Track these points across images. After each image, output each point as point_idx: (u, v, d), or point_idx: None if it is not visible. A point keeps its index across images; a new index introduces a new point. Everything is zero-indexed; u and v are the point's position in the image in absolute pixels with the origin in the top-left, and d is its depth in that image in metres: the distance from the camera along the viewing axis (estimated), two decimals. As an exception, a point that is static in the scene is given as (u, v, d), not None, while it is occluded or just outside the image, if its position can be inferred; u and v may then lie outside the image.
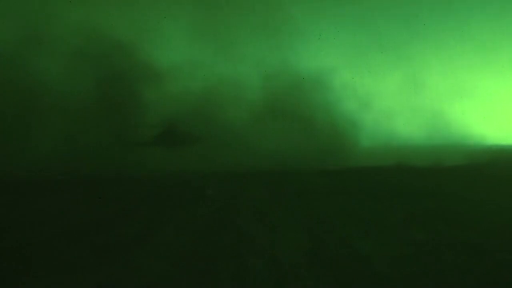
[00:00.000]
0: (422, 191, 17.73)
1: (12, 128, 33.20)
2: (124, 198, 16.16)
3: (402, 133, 57.20)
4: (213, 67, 48.29)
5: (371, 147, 63.07)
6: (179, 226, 10.80)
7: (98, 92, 39.19)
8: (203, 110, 42.21)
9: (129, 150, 39.24)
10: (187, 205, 14.36)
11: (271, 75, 47.85)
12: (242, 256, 8.08)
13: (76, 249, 8.62)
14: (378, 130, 53.18)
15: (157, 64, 45.44)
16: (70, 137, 35.47)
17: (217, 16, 51.01)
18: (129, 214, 12.81)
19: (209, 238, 9.47)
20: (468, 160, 38.89)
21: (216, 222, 11.35)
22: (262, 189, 18.78)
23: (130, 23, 47.08)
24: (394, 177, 24.83)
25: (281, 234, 9.85)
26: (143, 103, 41.16)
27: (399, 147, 60.24)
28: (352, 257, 7.95)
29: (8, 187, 19.79)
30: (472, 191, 17.75)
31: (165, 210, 13.25)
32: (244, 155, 36.27)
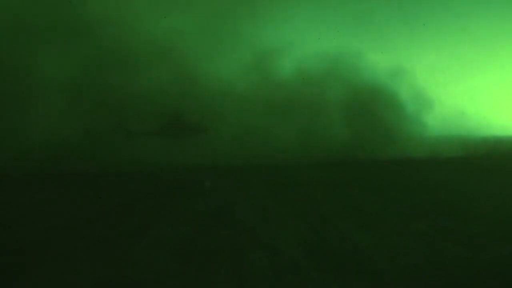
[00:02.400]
0: (420, 183, 17.75)
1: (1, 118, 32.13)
2: (122, 192, 16.11)
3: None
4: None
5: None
6: (177, 220, 10.78)
7: (94, 78, 37.40)
8: (210, 101, 41.05)
9: (130, 140, 38.58)
10: (185, 198, 14.33)
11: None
12: (241, 249, 8.08)
13: (73, 243, 8.59)
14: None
15: (162, 44, 42.55)
16: (66, 127, 34.45)
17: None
18: (127, 207, 12.77)
19: (207, 231, 9.46)
20: (466, 152, 39.00)
21: (214, 215, 11.34)
22: (261, 182, 18.76)
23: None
24: (392, 169, 24.86)
25: (280, 227, 9.85)
26: (146, 90, 39.67)
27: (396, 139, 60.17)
28: (351, 249, 7.95)
29: (1, 183, 19.69)
30: (470, 183, 17.79)
31: (163, 204, 13.22)
32: (252, 148, 35.61)
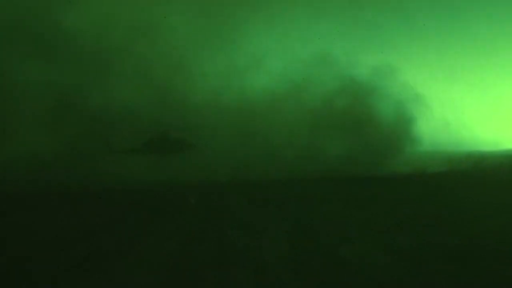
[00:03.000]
0: (405, 198, 17.80)
1: None
2: (106, 209, 15.81)
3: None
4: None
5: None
6: (162, 236, 10.59)
7: (77, 94, 36.47)
8: (198, 116, 40.43)
9: (114, 158, 37.84)
10: (170, 214, 14.12)
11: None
12: (225, 265, 7.92)
13: (57, 262, 8.33)
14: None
15: (146, 58, 41.78)
16: (51, 145, 33.73)
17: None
18: (111, 225, 12.52)
19: (192, 248, 9.29)
20: (451, 166, 39.39)
21: (199, 231, 11.15)
22: (245, 198, 18.61)
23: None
24: (377, 184, 24.94)
25: (265, 243, 9.71)
26: (130, 107, 38.97)
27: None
28: (337, 265, 7.85)
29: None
30: (455, 197, 17.89)
31: (148, 220, 13.00)
32: (238, 164, 34.98)
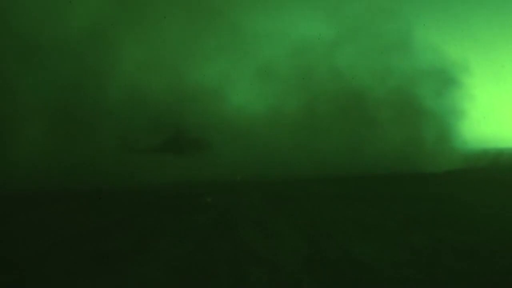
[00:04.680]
0: (420, 196, 17.72)
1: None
2: (122, 208, 16.10)
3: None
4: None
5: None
6: (177, 235, 10.75)
7: (95, 91, 37.18)
8: (214, 114, 40.21)
9: (132, 157, 38.12)
10: (184, 214, 14.31)
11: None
12: (241, 264, 8.05)
13: (72, 259, 8.56)
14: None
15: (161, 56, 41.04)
16: (66, 143, 34.05)
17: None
18: (126, 223, 12.75)
19: (207, 247, 9.43)
20: (466, 164, 38.91)
21: (214, 230, 11.32)
22: (261, 197, 18.75)
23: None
24: (391, 182, 24.83)
25: (280, 242, 9.83)
26: (149, 105, 39.02)
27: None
28: (352, 263, 7.92)
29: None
30: (470, 195, 17.76)
31: (163, 219, 13.20)
32: (252, 163, 34.81)
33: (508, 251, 8.56)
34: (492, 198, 16.56)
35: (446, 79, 41.69)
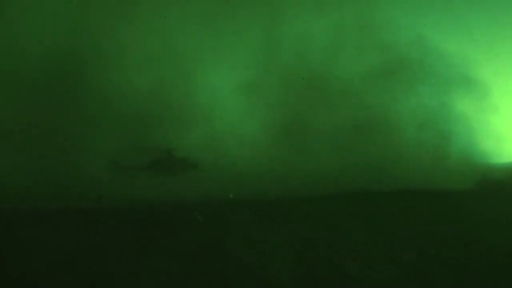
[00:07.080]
0: (409, 212, 17.77)
1: None
2: (112, 227, 15.89)
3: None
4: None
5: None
6: (168, 253, 10.67)
7: (84, 109, 36.97)
8: (203, 135, 40.09)
9: (122, 176, 37.82)
10: (176, 231, 14.18)
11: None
12: (231, 280, 7.98)
13: (64, 280, 8.42)
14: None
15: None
16: (56, 162, 33.75)
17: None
18: (117, 242, 12.59)
19: (198, 266, 9.35)
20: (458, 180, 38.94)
21: (205, 249, 11.22)
22: (251, 214, 18.64)
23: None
24: (380, 198, 24.88)
25: (271, 260, 9.76)
26: (139, 125, 38.92)
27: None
28: (341, 279, 7.89)
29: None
30: (463, 211, 17.86)
31: (154, 237, 13.07)
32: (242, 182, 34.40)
33: (497, 266, 8.58)
34: (484, 214, 16.64)
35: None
